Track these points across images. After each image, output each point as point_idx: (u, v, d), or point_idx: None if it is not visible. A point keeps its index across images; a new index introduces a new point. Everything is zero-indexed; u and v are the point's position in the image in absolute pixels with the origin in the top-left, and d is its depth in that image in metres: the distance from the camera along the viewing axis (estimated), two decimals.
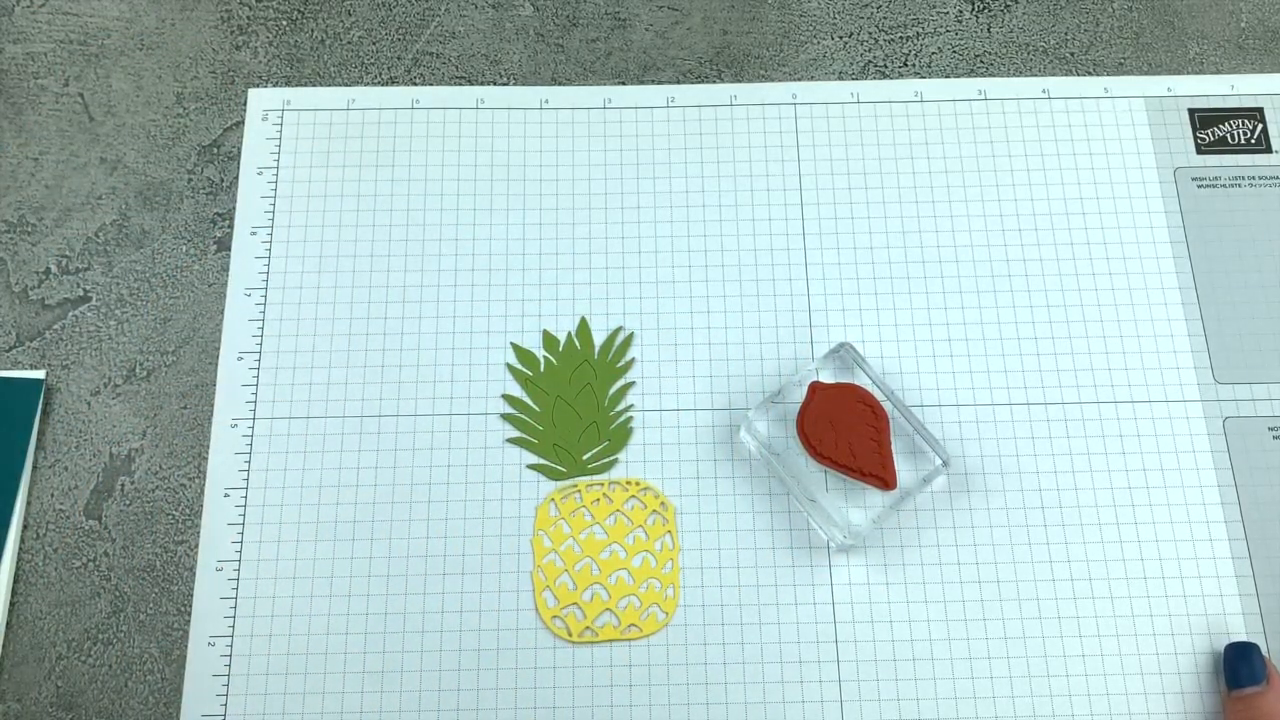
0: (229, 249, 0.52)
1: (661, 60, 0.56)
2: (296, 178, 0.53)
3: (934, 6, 0.57)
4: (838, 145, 0.54)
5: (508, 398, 0.49)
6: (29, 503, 0.47)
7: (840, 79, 0.55)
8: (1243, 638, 0.45)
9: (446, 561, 0.46)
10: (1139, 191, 0.53)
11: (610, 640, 0.45)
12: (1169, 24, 0.57)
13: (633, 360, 0.49)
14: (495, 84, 0.55)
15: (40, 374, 0.49)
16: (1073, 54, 0.56)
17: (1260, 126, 0.54)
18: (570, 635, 0.45)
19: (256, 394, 0.49)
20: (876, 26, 0.57)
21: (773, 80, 0.55)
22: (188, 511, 0.47)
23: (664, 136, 0.54)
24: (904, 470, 0.46)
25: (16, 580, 0.46)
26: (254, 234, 0.52)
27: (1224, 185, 0.53)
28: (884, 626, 0.45)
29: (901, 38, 0.56)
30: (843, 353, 0.48)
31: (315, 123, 0.54)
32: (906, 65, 0.56)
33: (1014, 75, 0.56)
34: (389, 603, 0.46)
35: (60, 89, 0.55)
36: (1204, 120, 0.54)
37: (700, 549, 0.46)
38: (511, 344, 0.50)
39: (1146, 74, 0.56)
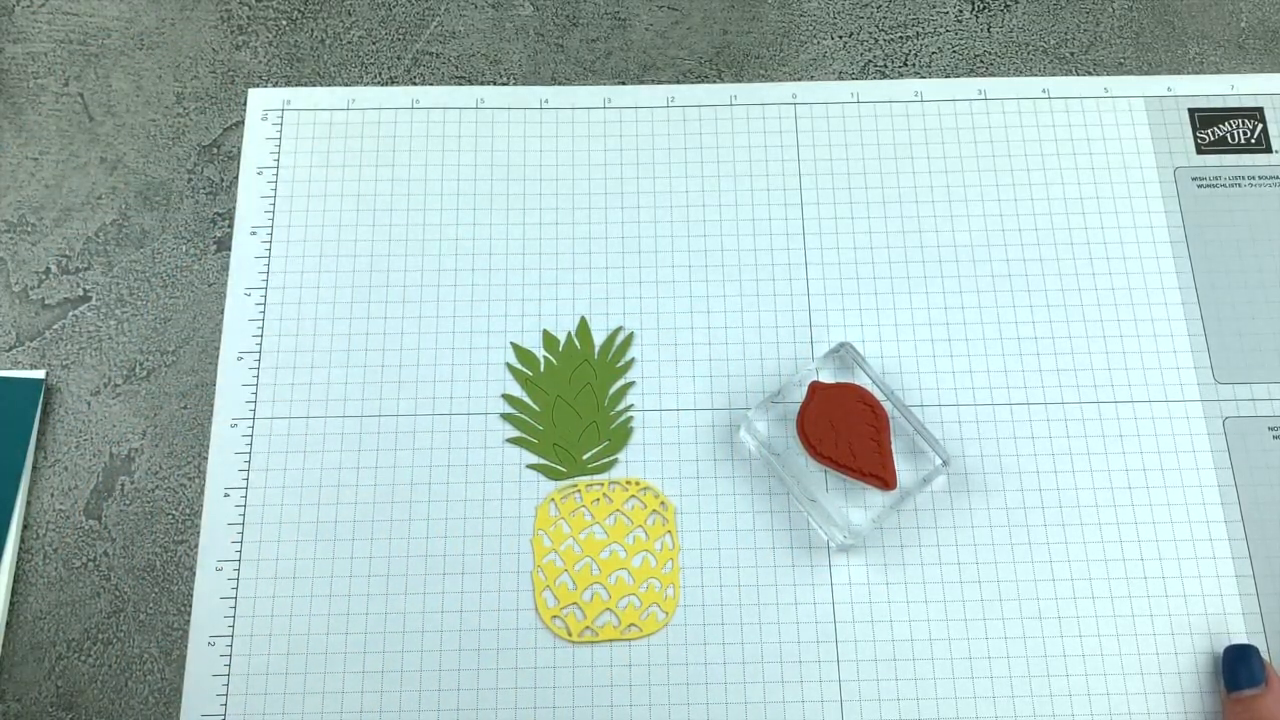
0: (229, 249, 0.52)
1: (661, 60, 0.56)
2: (296, 178, 0.53)
3: (934, 6, 0.57)
4: (838, 145, 0.54)
5: (508, 398, 0.49)
6: (29, 503, 0.47)
7: (840, 79, 0.55)
8: (1243, 638, 0.45)
9: (446, 561, 0.46)
10: (1139, 191, 0.53)
11: (610, 640, 0.45)
12: (1169, 24, 0.57)
13: (633, 360, 0.49)
14: (495, 84, 0.55)
15: (40, 374, 0.49)
16: (1073, 54, 0.56)
17: (1260, 126, 0.54)
18: (570, 635, 0.45)
19: (256, 394, 0.49)
20: (876, 26, 0.57)
21: (773, 80, 0.55)
22: (187, 511, 0.47)
23: (664, 136, 0.54)
24: (904, 470, 0.46)
25: (16, 580, 0.46)
26: (254, 234, 0.52)
27: (1224, 185, 0.53)
28: (884, 626, 0.45)
29: (901, 38, 0.56)
30: (843, 352, 0.48)
31: (315, 123, 0.54)
32: (906, 65, 0.56)
33: (1014, 75, 0.56)
34: (389, 603, 0.46)
35: (60, 89, 0.55)
36: (1204, 120, 0.54)
37: (700, 549, 0.46)
38: (511, 344, 0.50)
39: (1146, 74, 0.56)
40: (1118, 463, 0.48)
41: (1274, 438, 0.49)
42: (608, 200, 0.52)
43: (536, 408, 0.48)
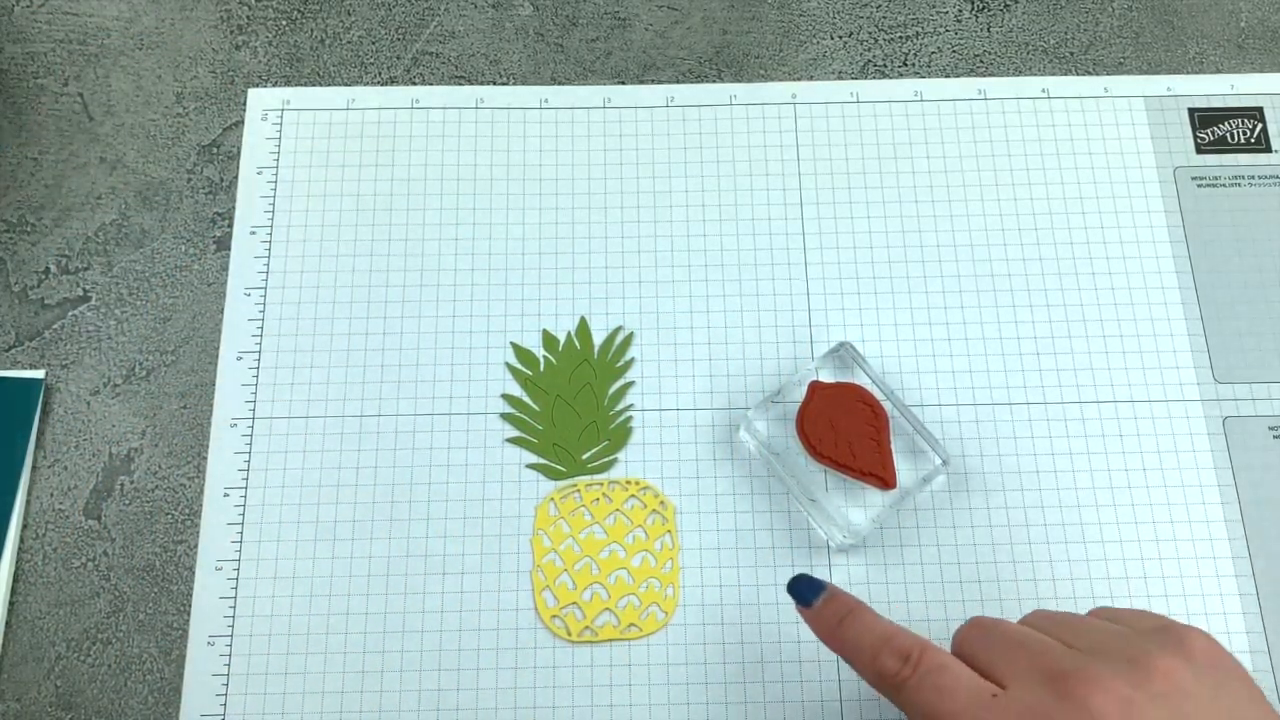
0: (229, 249, 0.52)
1: (661, 60, 0.56)
2: (296, 178, 0.53)
3: (934, 6, 0.57)
4: (838, 145, 0.54)
5: (507, 397, 0.49)
6: (29, 502, 0.47)
7: (840, 79, 0.55)
8: (1243, 638, 0.45)
9: (446, 561, 0.46)
10: (1139, 191, 0.53)
11: (610, 640, 0.45)
12: (1169, 24, 0.57)
13: (632, 360, 0.49)
14: (495, 84, 0.55)
15: (40, 374, 0.49)
16: (1073, 54, 0.56)
17: (1260, 126, 0.54)
18: (570, 635, 0.45)
19: (256, 394, 0.49)
20: (876, 26, 0.57)
21: (773, 80, 0.55)
22: (187, 511, 0.47)
23: (664, 136, 0.54)
24: (904, 470, 0.46)
25: (16, 580, 0.46)
26: (254, 234, 0.52)
27: (1224, 185, 0.53)
28: None
29: (901, 37, 0.56)
30: (842, 352, 0.48)
31: (315, 123, 0.54)
32: (906, 65, 0.56)
33: (1014, 75, 0.56)
34: (389, 603, 0.46)
35: (60, 89, 0.55)
36: (1204, 120, 0.54)
37: (700, 549, 0.46)
38: (511, 344, 0.50)
39: (1146, 74, 0.56)
40: (1118, 463, 0.48)
41: (1274, 438, 0.49)
42: (607, 200, 0.52)
43: (536, 407, 0.48)
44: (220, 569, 0.46)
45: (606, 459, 0.48)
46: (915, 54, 0.56)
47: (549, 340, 0.50)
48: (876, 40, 0.56)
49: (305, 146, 0.53)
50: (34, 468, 0.48)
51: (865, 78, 0.55)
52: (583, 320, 0.50)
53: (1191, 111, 0.54)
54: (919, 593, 0.46)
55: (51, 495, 0.47)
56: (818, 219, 0.52)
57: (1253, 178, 0.53)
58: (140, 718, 0.44)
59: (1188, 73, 0.56)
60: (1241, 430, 0.49)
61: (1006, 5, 0.57)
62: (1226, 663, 0.36)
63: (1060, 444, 0.48)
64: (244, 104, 0.54)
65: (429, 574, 0.46)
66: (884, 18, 0.57)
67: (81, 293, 0.51)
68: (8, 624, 0.45)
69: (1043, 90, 0.55)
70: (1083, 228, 0.52)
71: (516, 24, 0.57)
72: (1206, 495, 0.47)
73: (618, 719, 0.44)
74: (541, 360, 0.49)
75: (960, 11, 0.57)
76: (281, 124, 0.54)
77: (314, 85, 0.55)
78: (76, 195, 0.53)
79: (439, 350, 0.50)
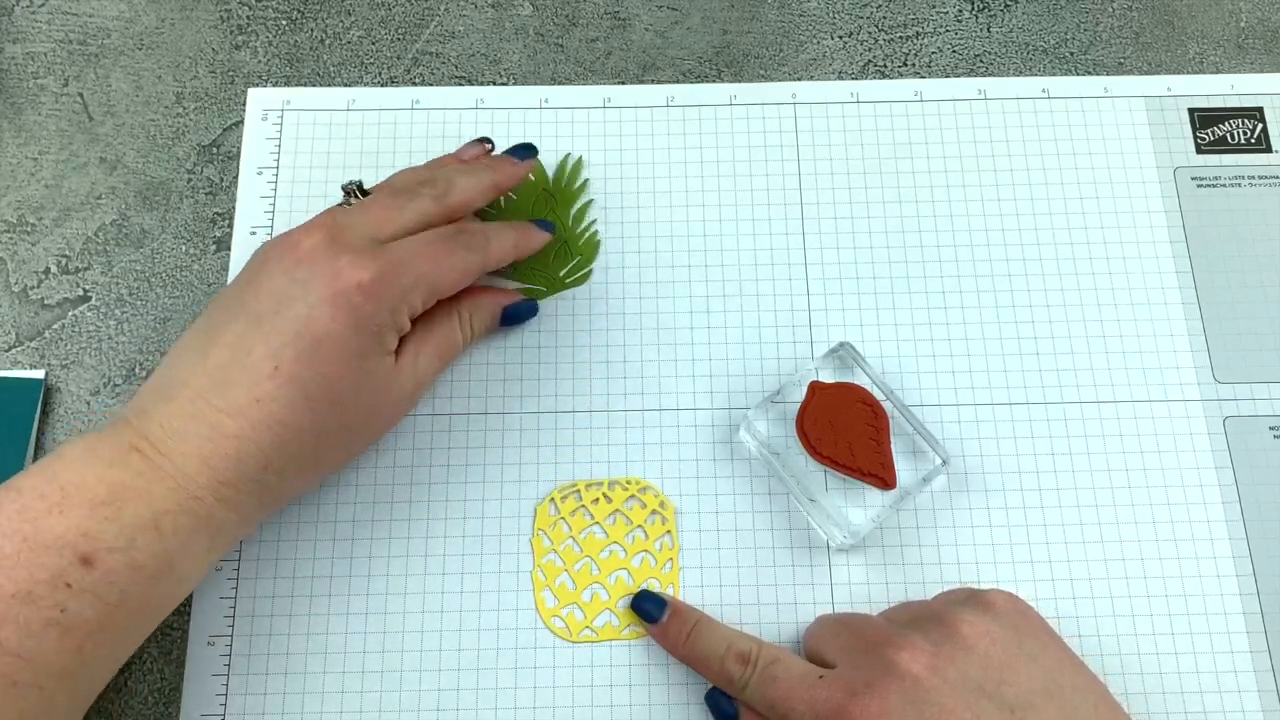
0: (229, 249, 0.52)
1: (661, 60, 0.56)
2: (296, 178, 0.53)
3: (934, 6, 0.57)
4: (838, 145, 0.54)
5: None
6: None
7: (840, 79, 0.55)
8: (1243, 638, 0.45)
9: (446, 561, 0.46)
10: (1139, 191, 0.53)
11: (610, 640, 0.45)
12: (1169, 24, 0.57)
13: (587, 180, 0.52)
14: (495, 84, 0.55)
15: (40, 374, 0.49)
16: (1073, 54, 0.56)
17: (1260, 126, 0.54)
18: (570, 635, 0.45)
19: None
20: (876, 26, 0.57)
21: (773, 80, 0.55)
22: None
23: (664, 136, 0.54)
24: (904, 470, 0.46)
25: None
26: (254, 234, 0.52)
27: (1224, 185, 0.53)
28: None
29: (901, 38, 0.56)
30: (842, 352, 0.48)
31: (315, 123, 0.54)
32: (906, 65, 0.56)
33: (1014, 75, 0.56)
34: (389, 603, 0.46)
35: (60, 89, 0.55)
36: (1204, 120, 0.54)
37: (700, 549, 0.46)
38: None
39: (1146, 74, 0.56)
40: (1118, 463, 0.48)
41: (1274, 438, 0.49)
42: (607, 200, 0.52)
43: None
44: (220, 569, 0.46)
45: (582, 271, 0.51)
46: (915, 54, 0.56)
47: None
48: (876, 40, 0.56)
49: (305, 147, 0.53)
50: None
51: (865, 78, 0.55)
52: None
53: (1191, 111, 0.54)
54: (918, 592, 0.46)
55: None
56: (818, 219, 0.52)
57: (1253, 178, 0.53)
58: (140, 718, 0.44)
59: (1188, 73, 0.56)
60: (1242, 430, 0.49)
61: (1006, 5, 0.57)
62: (1028, 613, 0.41)
63: (1060, 444, 0.48)
64: (244, 104, 0.54)
65: (429, 574, 0.46)
66: (884, 18, 0.57)
67: (81, 293, 0.51)
68: None
69: (1043, 90, 0.55)
70: (1083, 228, 0.52)
71: (516, 24, 0.57)
72: (1207, 495, 0.47)
73: (617, 719, 0.44)
74: (501, 198, 0.52)
75: (960, 11, 0.57)
76: (281, 124, 0.54)
77: (314, 85, 0.55)
78: (76, 195, 0.53)
79: None
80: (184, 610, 0.46)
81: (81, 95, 0.54)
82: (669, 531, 0.46)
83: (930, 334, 0.50)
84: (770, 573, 0.46)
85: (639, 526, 0.47)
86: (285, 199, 0.52)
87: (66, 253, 0.52)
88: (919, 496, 0.47)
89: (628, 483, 0.47)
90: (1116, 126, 0.54)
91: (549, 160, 0.53)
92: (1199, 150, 0.54)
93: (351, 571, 0.46)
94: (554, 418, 0.48)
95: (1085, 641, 0.45)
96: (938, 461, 0.46)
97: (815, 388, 0.47)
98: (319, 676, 0.44)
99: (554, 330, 0.50)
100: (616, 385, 0.49)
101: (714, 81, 0.55)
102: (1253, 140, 0.54)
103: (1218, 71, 0.56)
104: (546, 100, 0.54)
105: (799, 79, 0.55)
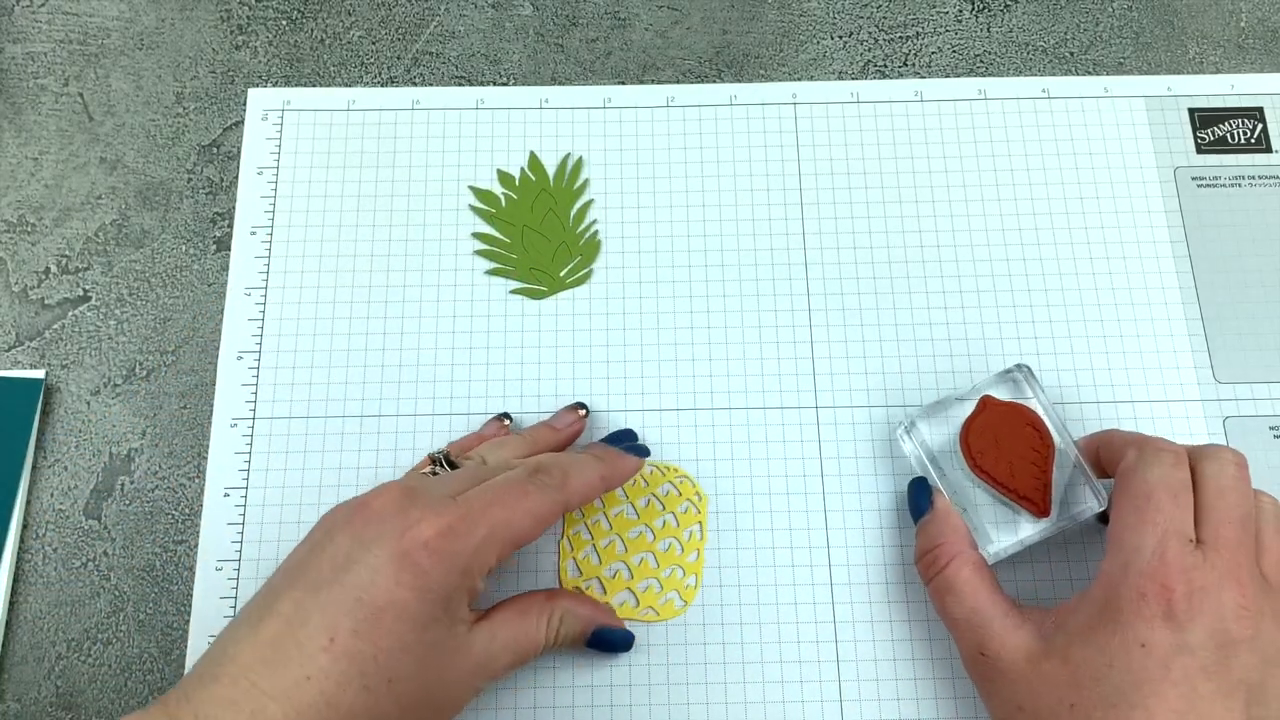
0: (229, 249, 0.52)
1: (661, 60, 0.56)
2: (296, 178, 0.53)
3: (934, 6, 0.57)
4: (838, 145, 0.54)
5: (479, 235, 0.51)
6: (29, 503, 0.47)
7: (840, 79, 0.55)
8: None
9: None
10: (1139, 191, 0.53)
11: (626, 619, 0.45)
12: (1169, 24, 0.57)
13: (588, 180, 0.52)
14: (495, 84, 0.55)
15: (40, 374, 0.49)
16: (1073, 54, 0.56)
17: (1260, 126, 0.54)
18: None
19: (256, 394, 0.49)
20: (876, 26, 0.57)
21: (773, 80, 0.55)
22: (187, 511, 0.47)
23: (664, 136, 0.54)
24: (1056, 502, 0.45)
25: (16, 580, 0.46)
26: (254, 234, 0.52)
27: (1224, 185, 0.53)
28: (884, 626, 0.45)
29: (901, 38, 0.56)
30: (1018, 374, 0.46)
31: (315, 123, 0.54)
32: (906, 65, 0.56)
33: (1014, 75, 0.56)
34: None
35: (60, 89, 0.55)
36: (1204, 120, 0.54)
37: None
38: (470, 186, 0.52)
39: (1146, 74, 0.56)
40: None
41: (1274, 438, 0.49)
42: (607, 200, 0.52)
43: (507, 240, 0.51)
44: (220, 569, 0.46)
45: (583, 272, 0.51)
46: (915, 54, 0.56)
47: (504, 178, 0.52)
48: (877, 40, 0.56)
49: (305, 147, 0.53)
50: (34, 468, 0.48)
51: (865, 78, 0.55)
52: (533, 155, 0.53)
53: (1191, 111, 0.54)
54: (919, 593, 0.46)
55: (52, 495, 0.47)
56: (818, 219, 0.52)
57: (1253, 178, 0.53)
58: None
59: (1188, 73, 0.56)
60: (1242, 430, 0.49)
61: (1006, 5, 0.57)
62: None
63: None
64: (244, 104, 0.54)
65: None
66: (884, 18, 0.57)
67: (82, 293, 0.51)
68: (8, 624, 0.45)
69: (1043, 90, 0.55)
70: (1083, 228, 0.52)
71: (516, 24, 0.57)
72: None
73: (617, 699, 0.44)
74: (502, 197, 0.52)
75: (960, 11, 0.57)
76: (282, 124, 0.54)
77: (314, 85, 0.55)
78: (76, 195, 0.53)
79: (439, 350, 0.50)
80: (184, 610, 0.46)
81: (81, 95, 0.54)
82: (700, 523, 0.47)
83: (930, 334, 0.50)
84: (770, 573, 0.46)
85: (670, 513, 0.47)
86: (285, 199, 0.52)
87: (66, 253, 0.52)
88: (1068, 531, 0.45)
89: (666, 469, 0.47)
90: (1116, 126, 0.54)
91: (549, 160, 0.53)
92: (1199, 150, 0.54)
93: None
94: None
95: None
96: (1093, 503, 0.44)
97: (986, 402, 0.45)
98: None
99: (554, 330, 0.50)
100: (616, 385, 0.49)
101: (714, 81, 0.55)
102: (1253, 140, 0.54)
103: (1218, 71, 0.56)
104: (546, 100, 0.54)
105: (799, 79, 0.55)
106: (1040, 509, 0.44)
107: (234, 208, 0.52)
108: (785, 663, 0.45)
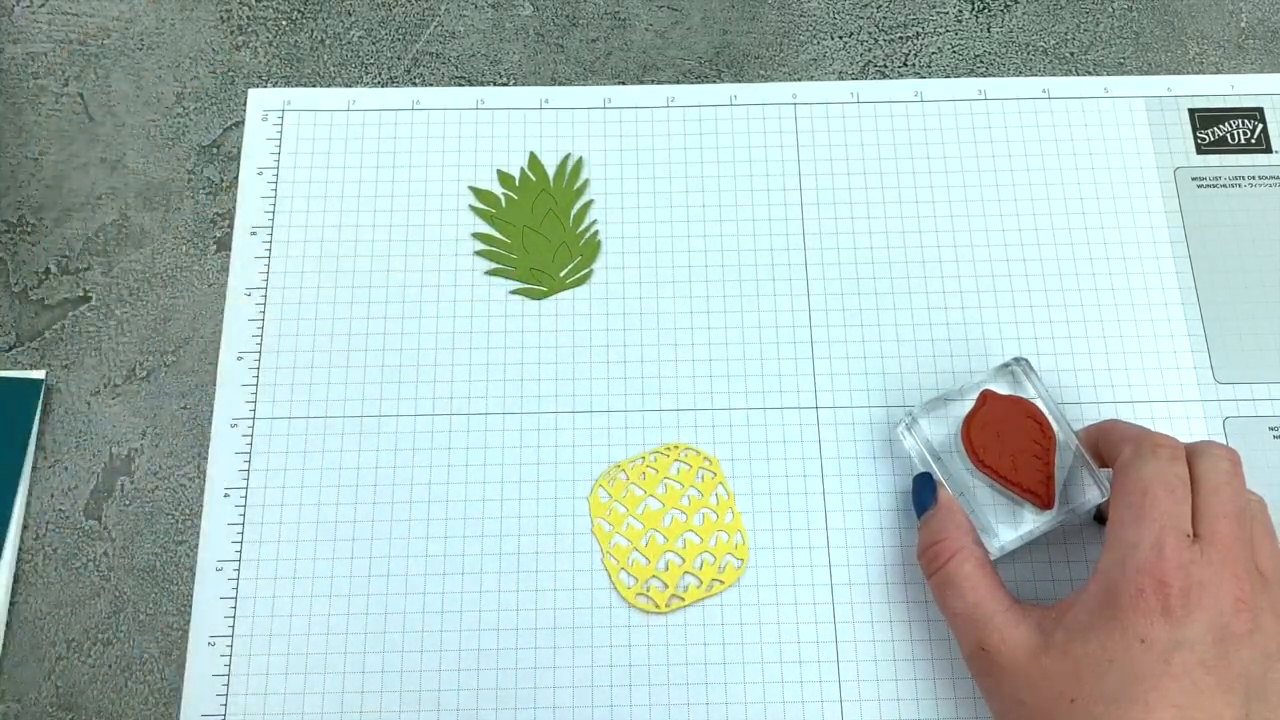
0: (229, 249, 0.52)
1: (661, 60, 0.56)
2: (297, 178, 0.53)
3: (934, 6, 0.57)
4: (838, 145, 0.54)
5: (479, 235, 0.51)
6: (29, 503, 0.47)
7: (840, 79, 0.55)
8: None
9: (446, 561, 0.46)
10: (1139, 191, 0.53)
11: (700, 599, 0.45)
12: (1169, 24, 0.57)
13: (588, 180, 0.52)
14: (495, 84, 0.55)
15: (40, 374, 0.49)
16: (1073, 54, 0.56)
17: (1260, 126, 0.54)
18: (659, 606, 0.45)
19: (256, 394, 0.49)
20: (876, 26, 0.57)
21: (773, 80, 0.55)
22: (188, 511, 0.47)
23: (664, 136, 0.54)
24: (1058, 494, 0.45)
25: (16, 580, 0.46)
26: (254, 234, 0.52)
27: (1224, 185, 0.53)
28: (884, 626, 0.45)
29: (901, 38, 0.56)
30: (1016, 367, 0.46)
31: (315, 123, 0.54)
32: (906, 65, 0.56)
33: (1014, 75, 0.56)
34: (389, 603, 0.46)
35: (60, 89, 0.55)
36: (1204, 120, 0.54)
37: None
38: (470, 187, 0.52)
39: (1146, 74, 0.56)
40: None
41: (1274, 438, 0.49)
42: (607, 200, 0.52)
43: (507, 240, 0.51)
44: (220, 569, 0.46)
45: (583, 272, 0.51)
46: (915, 54, 0.56)
47: (505, 178, 0.52)
48: (877, 40, 0.56)
49: (305, 147, 0.53)
50: (34, 468, 0.48)
51: (865, 78, 0.55)
52: (533, 155, 0.53)
53: (1191, 112, 0.54)
54: (919, 593, 0.46)
55: (52, 496, 0.47)
56: (818, 219, 0.52)
57: (1253, 178, 0.53)
58: (141, 718, 0.44)
59: (1188, 73, 0.56)
60: (1241, 430, 0.49)
61: (1007, 5, 0.57)
62: None
63: None
64: (244, 104, 0.54)
65: (429, 574, 0.46)
66: (884, 18, 0.57)
67: (82, 293, 0.51)
68: (8, 624, 0.45)
69: (1043, 90, 0.55)
70: (1083, 228, 0.52)
71: (516, 24, 0.57)
72: None
73: (617, 699, 0.44)
74: (502, 198, 0.52)
75: (960, 12, 0.57)
76: (282, 125, 0.54)
77: (314, 86, 0.55)
78: (76, 195, 0.53)
79: (439, 350, 0.50)
80: (184, 610, 0.46)
81: (81, 95, 0.54)
82: (720, 483, 0.47)
83: (930, 334, 0.50)
84: (770, 573, 0.46)
85: (691, 486, 0.47)
86: (285, 199, 0.52)
87: (66, 253, 0.52)
88: (1070, 522, 0.45)
89: (667, 449, 0.48)
90: (1116, 126, 0.54)
91: (549, 160, 0.53)
92: (1199, 150, 0.54)
93: (352, 571, 0.46)
94: (554, 418, 0.49)
95: None
96: (1095, 493, 0.44)
97: (987, 396, 0.46)
98: (319, 677, 0.44)
99: (554, 330, 0.50)
100: (616, 385, 0.49)
101: (714, 82, 0.55)
102: (1253, 140, 0.54)
103: (1218, 72, 0.56)
104: (546, 101, 0.54)
105: (799, 79, 0.55)
106: (1044, 501, 0.44)
107: (234, 208, 0.52)
108: (785, 663, 0.45)
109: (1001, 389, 0.46)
